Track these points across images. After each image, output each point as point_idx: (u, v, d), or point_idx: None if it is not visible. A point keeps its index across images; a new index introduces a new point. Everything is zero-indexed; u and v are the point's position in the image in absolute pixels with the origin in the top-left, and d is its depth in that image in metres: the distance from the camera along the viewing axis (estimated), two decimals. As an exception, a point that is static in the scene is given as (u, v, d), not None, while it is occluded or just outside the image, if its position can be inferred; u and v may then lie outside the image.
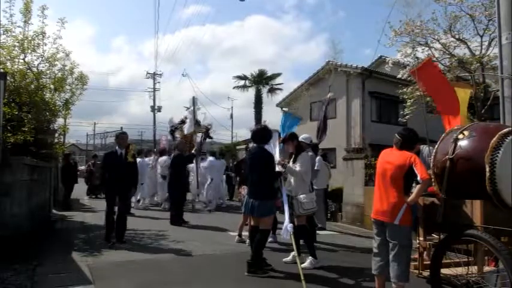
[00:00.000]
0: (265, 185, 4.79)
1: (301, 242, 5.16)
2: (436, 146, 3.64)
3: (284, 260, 5.25)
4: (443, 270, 3.40)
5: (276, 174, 4.97)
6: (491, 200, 3.09)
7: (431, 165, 3.67)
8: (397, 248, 3.45)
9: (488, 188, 3.05)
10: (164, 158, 11.33)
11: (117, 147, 6.27)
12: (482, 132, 3.31)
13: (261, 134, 5.03)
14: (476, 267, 3.40)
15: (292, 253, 5.10)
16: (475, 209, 3.16)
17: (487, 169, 3.03)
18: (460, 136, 3.36)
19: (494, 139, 3.07)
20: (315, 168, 7.13)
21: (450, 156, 3.31)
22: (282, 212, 4.99)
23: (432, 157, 3.64)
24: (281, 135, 6.15)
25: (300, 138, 5.73)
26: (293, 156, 5.23)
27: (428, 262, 3.67)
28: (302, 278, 4.03)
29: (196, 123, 13.73)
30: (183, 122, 13.41)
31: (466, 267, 3.25)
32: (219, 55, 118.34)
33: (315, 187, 6.08)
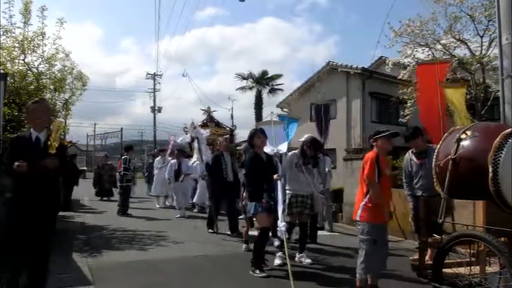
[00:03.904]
0: (248, 186, 5.01)
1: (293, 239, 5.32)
2: (438, 146, 3.62)
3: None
4: (445, 270, 3.38)
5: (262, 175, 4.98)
6: (494, 200, 3.06)
7: (433, 165, 3.63)
8: (359, 242, 3.75)
9: (490, 188, 3.01)
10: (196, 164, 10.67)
11: (31, 130, 3.66)
12: (485, 132, 3.28)
13: (248, 139, 5.22)
14: (478, 267, 3.36)
15: (298, 255, 5.28)
16: (477, 210, 3.12)
17: (490, 169, 2.99)
18: (463, 136, 3.33)
19: (497, 139, 3.03)
20: (327, 169, 7.34)
21: (452, 156, 3.28)
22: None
23: (434, 157, 3.61)
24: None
25: (304, 138, 5.76)
26: (308, 159, 5.37)
27: (430, 262, 3.65)
28: (291, 278, 4.05)
29: (218, 125, 13.57)
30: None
31: (468, 268, 3.22)
32: (228, 56, 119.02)
33: (322, 188, 6.31)
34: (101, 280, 4.36)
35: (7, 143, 4.16)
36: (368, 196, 3.73)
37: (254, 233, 6.95)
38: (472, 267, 3.25)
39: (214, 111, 14.09)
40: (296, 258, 5.27)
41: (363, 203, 3.73)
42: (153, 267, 4.96)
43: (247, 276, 4.62)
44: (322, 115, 9.57)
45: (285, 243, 4.63)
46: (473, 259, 3.29)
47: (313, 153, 5.38)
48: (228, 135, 12.22)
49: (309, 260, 5.20)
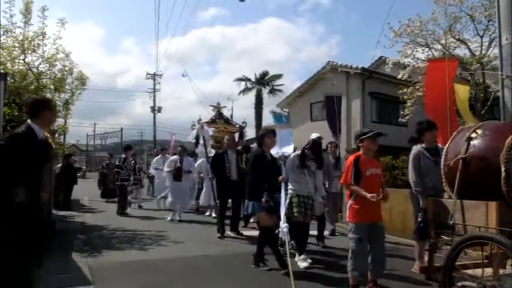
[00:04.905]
0: (249, 184, 5.05)
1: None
2: (447, 145, 3.56)
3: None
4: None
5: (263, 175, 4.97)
6: (506, 200, 3.00)
7: (441, 165, 3.57)
8: (349, 240, 3.87)
9: (503, 188, 2.95)
10: (201, 161, 9.84)
11: (35, 127, 3.18)
12: (496, 131, 3.22)
13: (259, 137, 5.31)
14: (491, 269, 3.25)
15: (301, 256, 5.23)
16: (490, 211, 3.05)
17: (503, 169, 2.93)
18: (473, 135, 3.26)
19: (509, 138, 2.97)
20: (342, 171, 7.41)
21: (463, 156, 3.22)
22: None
23: (443, 157, 3.55)
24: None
25: (313, 136, 5.76)
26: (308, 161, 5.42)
27: (439, 264, 3.55)
28: (292, 278, 4.04)
29: (227, 121, 13.10)
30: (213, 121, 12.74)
31: (481, 270, 3.13)
32: (229, 57, 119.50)
33: (332, 190, 6.42)
34: (101, 280, 4.34)
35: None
36: (353, 197, 3.86)
37: (249, 233, 6.99)
38: (485, 269, 3.14)
39: (224, 107, 13.48)
40: (296, 259, 5.26)
41: (349, 204, 3.89)
42: (153, 267, 4.95)
43: (248, 276, 4.61)
44: (335, 108, 9.25)
45: (286, 244, 4.64)
46: (485, 261, 3.19)
47: (313, 155, 5.42)
48: (236, 133, 11.96)
49: (309, 260, 5.20)
